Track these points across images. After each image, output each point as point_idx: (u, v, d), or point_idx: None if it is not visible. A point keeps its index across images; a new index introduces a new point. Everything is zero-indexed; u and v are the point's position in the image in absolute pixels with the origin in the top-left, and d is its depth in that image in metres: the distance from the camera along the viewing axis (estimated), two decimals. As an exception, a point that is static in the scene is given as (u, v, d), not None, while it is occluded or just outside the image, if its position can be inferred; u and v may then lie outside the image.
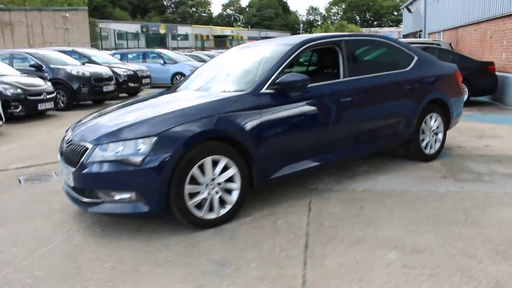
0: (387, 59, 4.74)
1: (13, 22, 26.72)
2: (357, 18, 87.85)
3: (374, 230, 3.17)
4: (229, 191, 3.33)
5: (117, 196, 3.06)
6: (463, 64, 9.29)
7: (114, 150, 3.04)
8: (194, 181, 3.13)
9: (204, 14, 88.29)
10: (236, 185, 3.33)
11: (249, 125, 3.34)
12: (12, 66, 10.27)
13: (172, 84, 14.99)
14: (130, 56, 17.51)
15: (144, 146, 3.00)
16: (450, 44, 12.04)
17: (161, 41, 47.85)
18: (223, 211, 3.30)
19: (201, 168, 3.15)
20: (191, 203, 3.12)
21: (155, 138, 3.01)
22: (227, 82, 3.93)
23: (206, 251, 2.90)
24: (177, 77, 15.95)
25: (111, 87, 11.19)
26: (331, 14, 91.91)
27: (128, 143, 3.04)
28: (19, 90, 8.65)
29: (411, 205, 3.65)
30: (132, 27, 46.87)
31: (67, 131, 3.77)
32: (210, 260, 2.78)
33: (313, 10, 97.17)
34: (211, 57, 14.65)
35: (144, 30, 48.87)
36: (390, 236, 3.06)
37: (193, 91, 4.03)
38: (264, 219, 3.41)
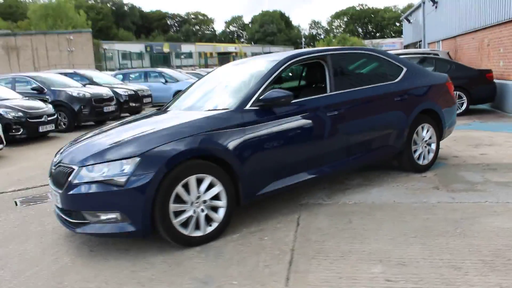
0: (375, 72, 4.77)
1: (19, 46, 27.32)
2: (360, 30, 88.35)
3: (361, 243, 3.15)
4: (215, 209, 3.34)
5: (103, 217, 3.09)
6: (461, 73, 9.34)
7: (99, 171, 3.08)
8: (179, 199, 3.15)
9: (208, 32, 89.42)
10: (222, 203, 3.33)
11: (233, 142, 3.36)
12: (15, 90, 10.46)
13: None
14: (132, 76, 17.73)
15: (128, 166, 3.04)
16: (448, 54, 12.07)
17: (165, 60, 48.40)
18: (210, 229, 3.31)
19: (186, 187, 3.17)
20: (176, 221, 3.13)
21: (138, 159, 3.04)
22: (213, 100, 3.98)
23: (190, 269, 2.90)
24: (179, 95, 16.06)
25: (112, 108, 11.32)
26: (334, 27, 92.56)
27: (113, 164, 3.08)
28: (20, 113, 8.79)
29: (400, 218, 3.62)
30: (136, 47, 47.52)
31: (56, 153, 3.81)
32: (193, 278, 2.78)
33: (315, 24, 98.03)
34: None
35: (148, 49, 49.52)
36: (376, 249, 3.04)
37: (181, 110, 4.08)
38: (251, 236, 3.41)
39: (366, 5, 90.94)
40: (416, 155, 4.83)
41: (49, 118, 9.33)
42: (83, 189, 3.08)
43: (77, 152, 3.37)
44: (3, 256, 3.35)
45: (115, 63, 38.46)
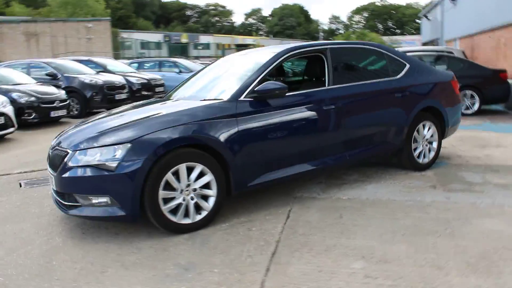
0: (376, 67, 4.72)
1: (39, 33, 27.76)
2: (380, 26, 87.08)
3: (347, 239, 3.15)
4: (205, 198, 3.38)
5: (94, 200, 3.16)
6: (474, 72, 9.17)
7: (92, 156, 3.14)
8: (169, 186, 3.19)
9: (227, 24, 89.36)
10: (212, 192, 3.37)
11: (225, 132, 3.38)
12: (29, 75, 10.66)
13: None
14: (146, 65, 17.85)
15: (119, 152, 3.09)
16: (463, 52, 11.81)
17: (182, 50, 48.53)
18: (199, 217, 3.35)
19: (176, 175, 3.21)
20: (165, 208, 3.18)
21: (129, 145, 3.09)
22: (210, 90, 4.00)
23: (175, 255, 2.95)
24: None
25: (123, 95, 11.45)
26: (353, 22, 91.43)
27: (105, 149, 3.14)
28: (33, 98, 8.97)
29: (392, 215, 3.60)
30: (155, 37, 47.80)
31: (55, 138, 3.90)
32: (176, 264, 2.82)
33: (335, 19, 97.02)
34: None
35: (166, 39, 49.76)
36: (361, 245, 3.03)
37: (179, 99, 4.11)
38: (240, 226, 3.44)
39: (387, 1, 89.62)
40: (416, 153, 4.78)
41: (61, 104, 9.50)
42: (76, 172, 3.16)
43: (72, 136, 3.45)
44: (0, 234, 3.46)
45: (135, 51, 38.78)
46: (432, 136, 4.88)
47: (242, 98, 3.56)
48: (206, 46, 54.20)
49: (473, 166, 5.04)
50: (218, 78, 4.24)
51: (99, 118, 3.86)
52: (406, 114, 4.53)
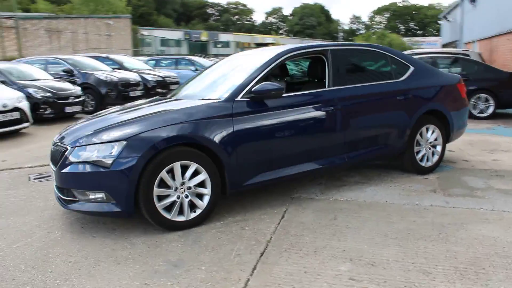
0: (379, 69, 4.69)
1: (60, 29, 28.41)
2: (401, 27, 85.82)
3: (338, 241, 3.16)
4: (200, 196, 3.43)
5: (91, 196, 3.25)
6: (489, 75, 9.00)
7: (89, 152, 3.23)
8: (163, 184, 3.26)
9: (247, 22, 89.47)
10: (206, 191, 3.42)
11: (221, 132, 3.43)
12: (47, 71, 10.94)
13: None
14: (163, 62, 18.06)
15: (115, 149, 3.17)
16: (480, 55, 11.57)
17: (202, 48, 48.87)
18: (193, 215, 3.41)
19: (171, 173, 3.28)
20: (159, 205, 3.25)
21: (125, 142, 3.17)
22: (210, 90, 4.04)
23: (166, 252, 3.02)
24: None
25: (138, 92, 11.63)
26: (374, 23, 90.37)
27: (103, 146, 3.22)
28: (48, 94, 9.21)
29: (387, 218, 3.59)
30: (175, 34, 48.24)
31: (58, 133, 4.02)
32: (166, 261, 2.89)
33: (356, 19, 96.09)
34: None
35: (186, 37, 50.16)
36: (351, 248, 3.04)
37: (179, 98, 4.17)
38: (234, 225, 3.48)
39: (408, 1, 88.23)
40: (419, 156, 4.73)
41: (76, 100, 9.73)
42: (74, 168, 3.25)
43: (72, 133, 3.56)
44: (2, 227, 3.59)
45: (155, 48, 39.27)
46: (436, 139, 4.83)
47: (239, 98, 3.60)
48: (226, 44, 54.42)
49: (478, 171, 4.96)
50: (219, 78, 4.29)
51: (101, 115, 3.95)
52: (409, 117, 4.50)
